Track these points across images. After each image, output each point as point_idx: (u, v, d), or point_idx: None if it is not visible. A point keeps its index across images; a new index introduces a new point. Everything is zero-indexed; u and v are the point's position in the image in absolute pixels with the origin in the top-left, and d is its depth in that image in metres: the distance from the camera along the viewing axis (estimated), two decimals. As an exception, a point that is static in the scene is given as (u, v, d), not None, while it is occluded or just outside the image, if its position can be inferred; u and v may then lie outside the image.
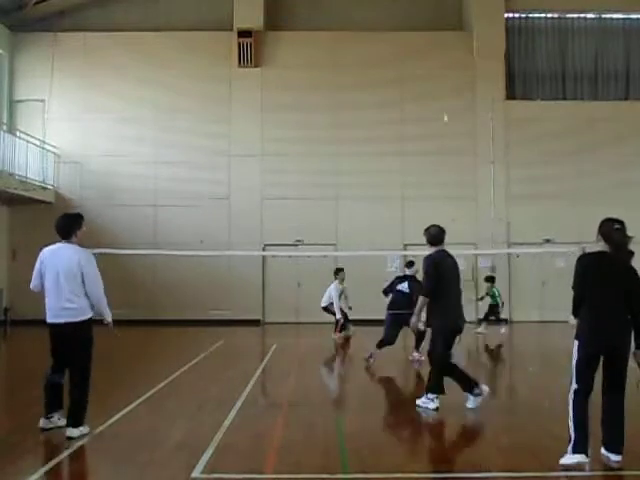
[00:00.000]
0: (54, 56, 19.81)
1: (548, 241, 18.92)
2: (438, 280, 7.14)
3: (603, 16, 20.93)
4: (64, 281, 5.99)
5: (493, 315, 16.82)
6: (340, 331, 15.10)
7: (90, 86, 19.99)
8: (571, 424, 5.19)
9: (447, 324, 7.21)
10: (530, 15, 20.93)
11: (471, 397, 7.23)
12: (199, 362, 11.48)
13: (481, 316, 17.22)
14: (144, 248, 18.01)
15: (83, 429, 6.06)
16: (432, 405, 7.18)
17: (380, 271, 19.15)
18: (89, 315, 6.14)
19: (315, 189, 19.73)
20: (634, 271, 5.36)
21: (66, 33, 19.95)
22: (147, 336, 16.76)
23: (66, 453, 5.63)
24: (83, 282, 6.02)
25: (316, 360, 12.47)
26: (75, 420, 6.01)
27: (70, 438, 5.91)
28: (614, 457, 5.19)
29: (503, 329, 16.54)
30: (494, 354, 14.04)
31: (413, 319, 7.49)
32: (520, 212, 19.57)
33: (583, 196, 19.12)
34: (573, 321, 5.47)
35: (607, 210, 19.62)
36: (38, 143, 19.08)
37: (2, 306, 19.24)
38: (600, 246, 5.43)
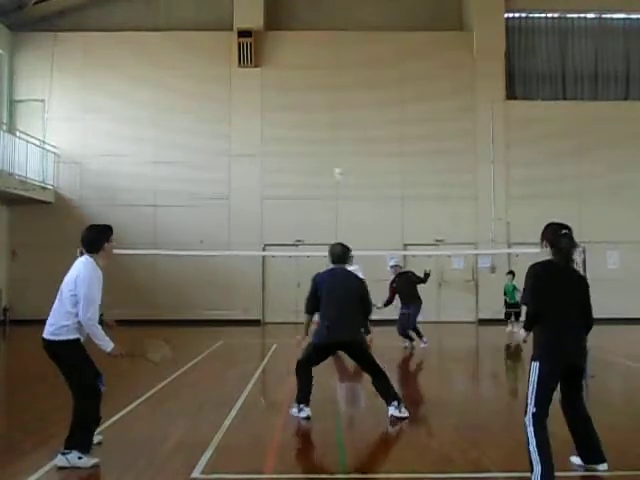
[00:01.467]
0: (54, 56, 19.82)
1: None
2: (314, 299, 7.18)
3: (603, 16, 20.93)
4: (59, 294, 5.52)
5: (511, 312, 16.33)
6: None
7: (90, 86, 20.00)
8: (535, 454, 4.64)
9: (317, 339, 7.14)
10: (530, 15, 20.93)
11: (296, 408, 7.08)
12: (199, 362, 11.47)
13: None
14: (144, 248, 18.00)
15: (73, 459, 5.26)
16: (302, 414, 7.00)
17: (380, 271, 19.14)
18: (68, 337, 5.40)
19: (315, 189, 19.72)
20: (586, 282, 5.07)
21: (66, 33, 19.95)
22: (147, 336, 16.69)
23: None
24: (76, 303, 5.40)
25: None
26: (65, 444, 5.33)
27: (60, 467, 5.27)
28: (602, 467, 5.02)
29: (509, 328, 16.25)
30: (497, 354, 13.97)
31: (299, 337, 7.45)
32: (520, 212, 19.55)
33: (583, 196, 19.13)
34: (523, 334, 5.03)
35: (607, 210, 19.57)
36: (38, 143, 19.08)
37: (1, 306, 19.24)
38: (546, 253, 5.06)
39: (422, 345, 13.24)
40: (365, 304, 7.34)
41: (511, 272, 16.92)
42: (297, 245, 19.28)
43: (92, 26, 20.16)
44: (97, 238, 5.67)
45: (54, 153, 19.72)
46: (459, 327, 18.07)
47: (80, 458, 5.28)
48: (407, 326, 13.38)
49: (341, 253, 7.44)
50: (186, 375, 10.04)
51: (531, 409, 4.79)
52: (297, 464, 5.47)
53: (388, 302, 13.36)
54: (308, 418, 6.95)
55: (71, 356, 5.44)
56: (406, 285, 13.48)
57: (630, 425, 6.82)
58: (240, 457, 5.66)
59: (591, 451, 5.06)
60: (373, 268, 18.64)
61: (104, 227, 5.83)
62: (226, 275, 19.29)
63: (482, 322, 19.41)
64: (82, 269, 5.49)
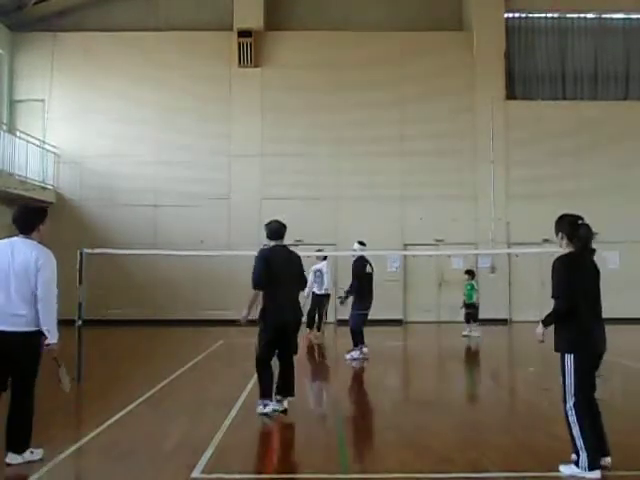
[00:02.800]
0: (54, 56, 19.80)
1: (548, 241, 18.88)
2: (266, 274, 7.08)
3: (603, 16, 20.90)
4: (15, 282, 5.22)
5: (469, 315, 15.49)
6: (318, 329, 14.71)
7: (90, 86, 19.98)
8: (580, 441, 4.86)
9: (271, 321, 7.10)
10: (530, 15, 20.91)
11: (261, 404, 7.08)
12: (199, 362, 11.48)
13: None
14: (144, 248, 17.98)
15: (30, 455, 5.34)
16: (267, 409, 7.03)
17: (380, 271, 19.12)
18: (39, 327, 5.28)
19: (315, 189, 19.72)
20: (599, 273, 5.18)
21: (66, 33, 19.94)
22: (147, 336, 16.76)
23: (66, 453, 5.63)
24: (36, 286, 5.24)
25: (315, 360, 12.46)
26: (18, 445, 5.30)
27: (9, 465, 5.23)
28: (606, 460, 5.07)
29: (467, 330, 15.43)
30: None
31: (244, 313, 7.20)
32: (520, 212, 19.56)
33: (583, 196, 19.08)
34: (541, 330, 5.08)
35: (607, 210, 19.55)
36: (38, 143, 19.08)
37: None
38: (564, 245, 5.14)
39: (348, 356, 11.56)
40: (302, 280, 7.55)
41: (469, 272, 15.97)
42: (297, 245, 19.22)
43: (92, 26, 20.15)
44: (32, 219, 5.49)
45: (54, 153, 19.71)
46: (459, 327, 18.01)
47: (32, 452, 5.36)
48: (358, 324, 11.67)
49: (277, 229, 7.43)
50: (186, 375, 10.05)
51: (571, 399, 4.91)
52: (297, 464, 5.48)
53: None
54: (274, 411, 7.00)
55: (38, 348, 5.32)
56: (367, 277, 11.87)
57: (630, 425, 6.82)
58: (240, 457, 5.67)
59: (602, 443, 5.07)
60: (374, 268, 18.71)
61: (40, 209, 5.74)
62: (226, 275, 19.25)
63: (482, 322, 19.37)
64: (39, 253, 5.33)
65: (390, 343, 14.00)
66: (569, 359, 4.95)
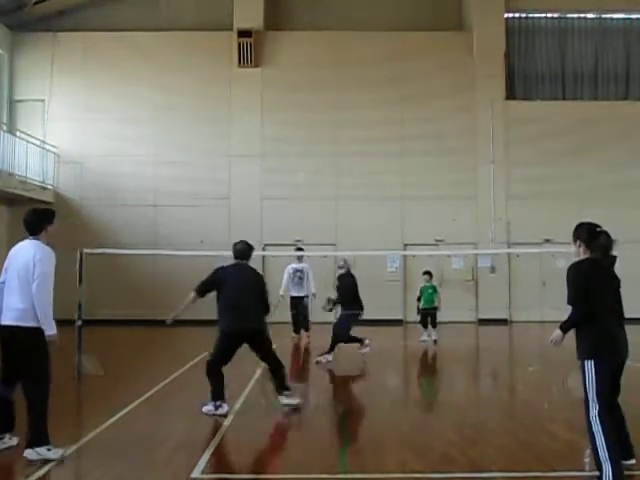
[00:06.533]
0: (54, 56, 19.81)
1: (548, 241, 18.90)
2: (211, 284, 7.63)
3: (603, 16, 20.90)
4: (17, 279, 5.58)
5: (422, 318, 14.45)
6: (307, 329, 14.49)
7: (90, 86, 19.99)
8: (603, 452, 4.63)
9: (227, 329, 7.55)
10: (530, 15, 20.91)
11: (212, 405, 7.17)
12: (199, 362, 11.45)
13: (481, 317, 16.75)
14: (144, 248, 17.98)
15: (42, 451, 5.44)
16: (220, 411, 7.12)
17: (380, 271, 19.17)
18: (38, 324, 5.51)
19: (315, 189, 19.72)
20: (619, 279, 5.18)
21: (66, 33, 19.94)
22: (147, 336, 16.74)
23: (66, 453, 5.62)
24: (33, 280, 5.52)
25: (314, 361, 12.44)
26: (30, 440, 5.47)
27: (30, 461, 5.41)
28: (630, 462, 5.00)
29: (424, 335, 14.36)
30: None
31: (173, 315, 8.09)
32: (520, 212, 19.55)
33: (583, 196, 19.12)
34: (559, 336, 4.91)
35: (607, 210, 19.57)
36: (38, 143, 19.07)
37: (2, 306, 19.21)
38: (581, 252, 5.08)
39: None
40: (264, 297, 7.72)
41: (428, 272, 14.68)
42: (297, 244, 19.24)
43: (92, 26, 20.15)
44: (38, 221, 5.89)
45: (54, 153, 19.71)
46: (459, 327, 18.05)
47: (49, 450, 5.48)
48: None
49: (244, 250, 7.76)
50: (186, 375, 10.06)
51: (595, 408, 4.76)
52: (297, 464, 5.47)
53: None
54: (226, 415, 7.05)
55: (39, 344, 5.52)
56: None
57: (630, 425, 6.82)
58: (240, 457, 5.67)
59: (626, 447, 5.02)
60: (373, 268, 18.75)
61: (46, 210, 6.16)
62: (226, 275, 19.25)
63: (482, 322, 19.41)
64: (37, 250, 5.69)
65: (390, 343, 13.98)
66: (589, 365, 4.83)
